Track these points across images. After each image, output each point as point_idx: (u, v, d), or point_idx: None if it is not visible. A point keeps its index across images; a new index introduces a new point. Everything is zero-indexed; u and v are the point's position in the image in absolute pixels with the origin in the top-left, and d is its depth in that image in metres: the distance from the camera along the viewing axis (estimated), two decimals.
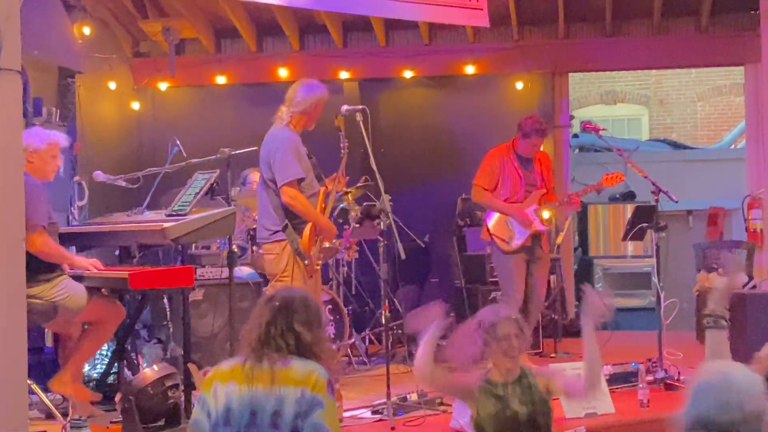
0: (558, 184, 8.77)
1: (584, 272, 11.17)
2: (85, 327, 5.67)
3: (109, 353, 6.19)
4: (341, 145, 5.83)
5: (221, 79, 9.53)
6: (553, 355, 7.59)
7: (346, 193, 7.11)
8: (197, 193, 5.62)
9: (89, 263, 5.41)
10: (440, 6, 7.97)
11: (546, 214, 6.83)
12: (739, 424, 2.55)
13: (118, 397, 5.24)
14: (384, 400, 5.34)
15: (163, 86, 9.53)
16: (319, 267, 5.75)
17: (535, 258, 6.83)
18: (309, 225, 5.62)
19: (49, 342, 6.41)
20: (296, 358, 3.28)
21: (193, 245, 6.79)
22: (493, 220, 6.85)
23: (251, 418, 3.20)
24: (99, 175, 6.34)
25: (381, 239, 6.08)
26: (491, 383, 3.90)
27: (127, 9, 9.11)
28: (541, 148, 6.99)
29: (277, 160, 5.64)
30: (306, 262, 5.59)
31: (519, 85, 9.33)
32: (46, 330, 6.27)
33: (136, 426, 4.87)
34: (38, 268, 5.07)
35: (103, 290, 5.67)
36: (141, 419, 4.90)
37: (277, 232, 5.66)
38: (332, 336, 6.91)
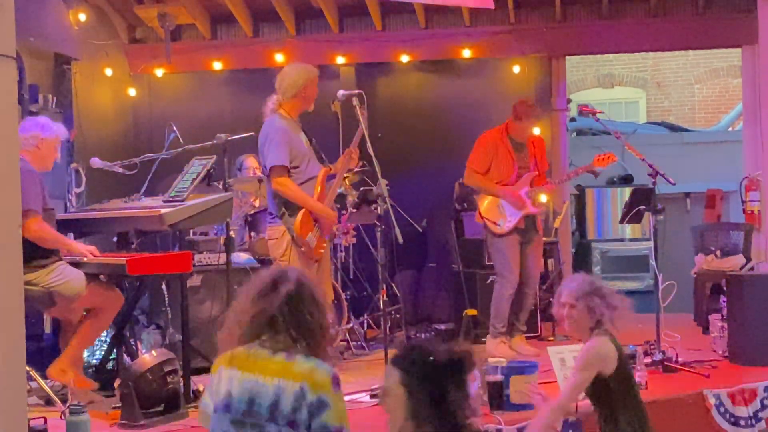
0: (555, 168, 8.78)
1: (582, 256, 11.18)
2: (85, 314, 5.68)
3: (107, 339, 6.19)
4: (360, 119, 5.75)
5: (217, 65, 9.51)
6: (551, 338, 7.60)
7: (344, 177, 7.11)
8: (194, 179, 5.62)
9: (87, 249, 5.41)
10: None
11: (543, 197, 6.85)
12: None
13: (117, 383, 5.26)
14: (379, 385, 5.34)
15: (159, 72, 9.50)
16: (322, 252, 5.75)
17: (528, 240, 6.86)
18: (302, 211, 5.65)
19: (47, 329, 6.42)
20: (301, 354, 3.21)
21: (191, 231, 6.79)
22: (484, 203, 6.88)
23: (249, 407, 3.17)
24: (96, 162, 6.34)
25: (378, 224, 6.09)
26: None
27: None
28: (537, 131, 7.01)
29: (264, 149, 5.73)
30: (302, 248, 5.61)
31: (516, 69, 9.31)
32: (44, 317, 6.27)
33: (135, 412, 4.89)
34: (33, 254, 5.06)
35: (101, 276, 5.68)
36: (140, 405, 4.91)
37: (276, 217, 5.72)
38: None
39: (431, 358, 2.76)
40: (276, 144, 5.66)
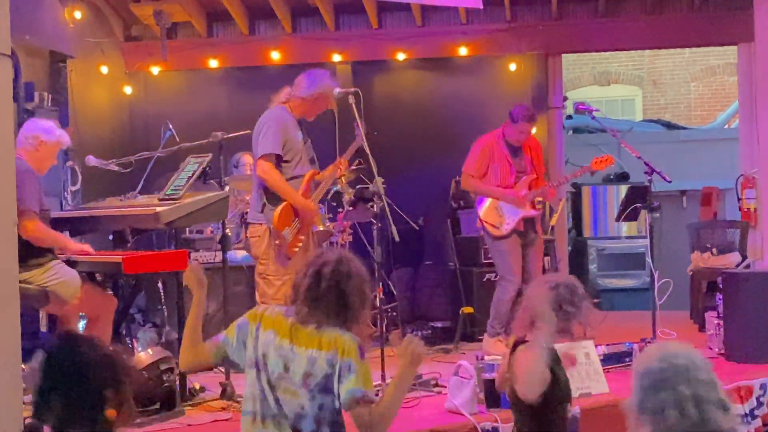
0: (552, 166, 8.78)
1: (578, 253, 11.17)
2: (81, 315, 5.66)
3: None
4: (356, 132, 5.77)
5: (213, 63, 9.49)
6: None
7: (340, 176, 7.10)
8: (190, 177, 5.62)
9: (81, 248, 5.40)
10: None
11: (539, 200, 6.86)
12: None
13: None
14: (379, 382, 5.35)
15: (155, 70, 9.48)
16: (296, 251, 5.69)
17: (528, 242, 6.85)
18: (282, 204, 5.61)
19: (43, 327, 6.40)
20: (330, 323, 3.43)
21: (187, 229, 6.79)
22: (483, 207, 6.87)
23: (284, 371, 3.40)
24: (91, 160, 6.32)
25: (375, 222, 6.07)
26: None
27: None
28: (533, 131, 7.00)
29: (260, 135, 5.67)
30: (277, 242, 5.57)
31: (512, 67, 9.31)
32: (40, 315, 6.26)
33: (131, 410, 4.87)
34: (29, 253, 5.05)
35: (97, 276, 5.66)
36: (136, 403, 4.89)
37: (258, 212, 5.69)
38: None
39: (79, 355, 2.58)
40: (272, 133, 5.63)
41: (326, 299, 3.45)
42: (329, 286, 3.45)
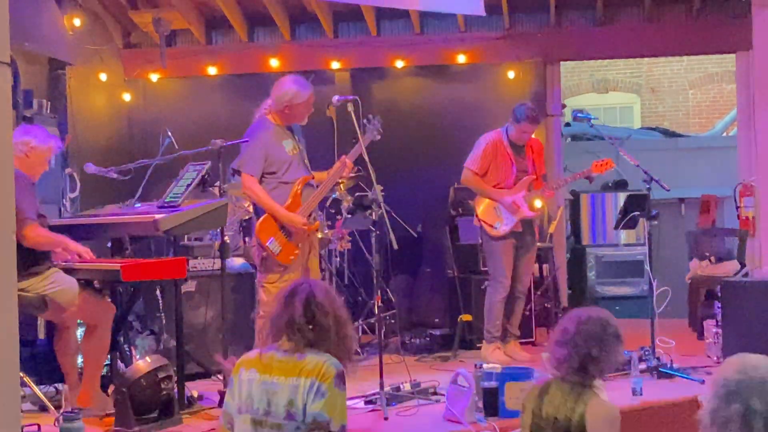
0: (550, 174, 8.77)
1: (577, 261, 11.16)
2: (79, 322, 5.65)
3: None
4: (360, 129, 5.75)
5: (212, 70, 9.50)
6: (546, 343, 7.59)
7: (338, 183, 7.11)
8: (189, 185, 5.61)
9: (82, 249, 5.38)
10: None
11: (538, 203, 6.87)
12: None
13: (110, 389, 5.25)
14: (377, 390, 5.35)
15: (154, 77, 9.49)
16: (292, 259, 5.71)
17: (524, 243, 6.89)
18: (265, 215, 5.66)
19: (41, 334, 6.40)
20: (312, 350, 3.45)
21: (185, 237, 6.78)
22: (481, 205, 6.90)
23: (267, 407, 3.40)
24: (90, 167, 6.31)
25: (373, 229, 6.09)
26: None
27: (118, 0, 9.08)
28: (533, 136, 7.02)
29: (241, 152, 5.76)
30: (264, 253, 5.60)
31: (510, 74, 9.31)
32: (38, 322, 6.25)
33: (129, 418, 4.87)
34: (27, 261, 5.05)
35: (95, 283, 5.65)
36: (134, 411, 4.90)
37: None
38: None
39: None
40: (250, 148, 5.70)
41: (305, 327, 3.47)
42: (301, 314, 3.48)
